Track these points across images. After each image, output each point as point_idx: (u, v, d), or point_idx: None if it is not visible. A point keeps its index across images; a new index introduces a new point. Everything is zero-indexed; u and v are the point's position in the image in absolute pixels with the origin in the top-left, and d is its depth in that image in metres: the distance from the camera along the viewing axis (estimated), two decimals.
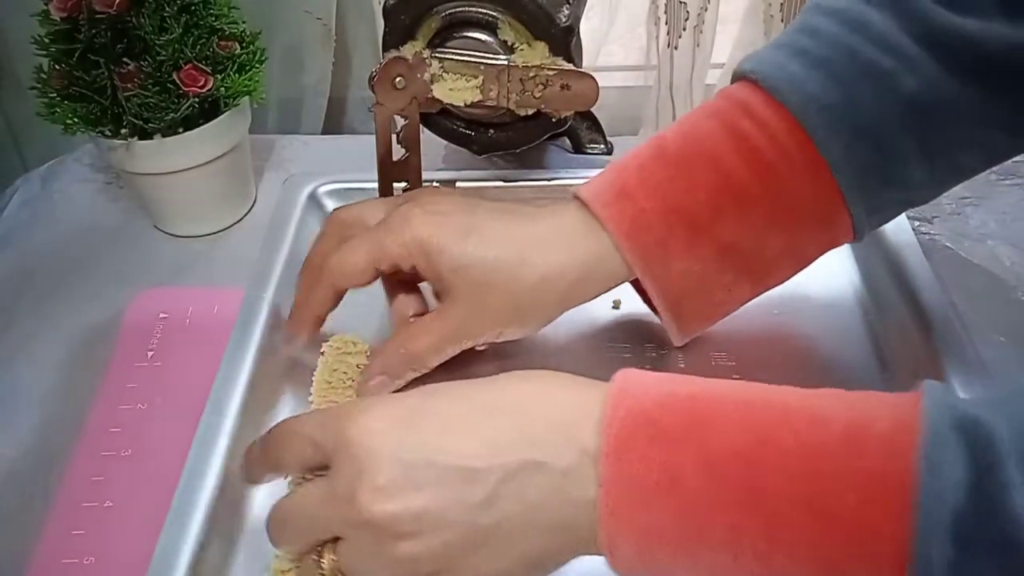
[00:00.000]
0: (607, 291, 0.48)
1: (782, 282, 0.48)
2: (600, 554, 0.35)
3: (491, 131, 0.59)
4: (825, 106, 0.44)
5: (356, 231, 0.48)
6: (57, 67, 0.56)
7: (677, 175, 0.45)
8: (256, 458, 0.41)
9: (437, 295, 0.49)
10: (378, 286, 0.57)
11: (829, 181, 0.44)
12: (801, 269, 0.48)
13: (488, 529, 0.35)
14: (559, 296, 0.47)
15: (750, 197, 0.45)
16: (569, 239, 0.46)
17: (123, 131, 0.56)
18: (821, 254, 0.48)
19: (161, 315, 0.57)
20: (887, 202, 0.47)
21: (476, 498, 0.35)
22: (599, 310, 0.55)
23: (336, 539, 0.37)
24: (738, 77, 0.47)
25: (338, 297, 0.50)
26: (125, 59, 0.55)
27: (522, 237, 0.46)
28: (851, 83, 0.44)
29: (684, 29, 0.73)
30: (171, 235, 0.63)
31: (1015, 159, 0.60)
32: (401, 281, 0.51)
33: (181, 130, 0.57)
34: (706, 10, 0.73)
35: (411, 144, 0.53)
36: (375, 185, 0.53)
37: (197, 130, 0.57)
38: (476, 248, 0.46)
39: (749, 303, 0.53)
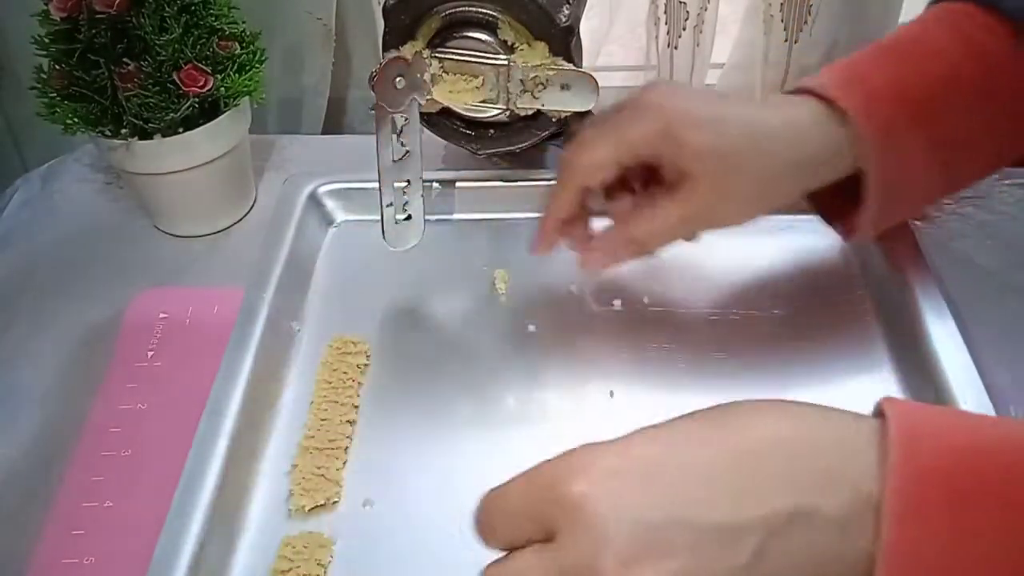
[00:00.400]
0: (831, 181, 0.49)
1: (963, 188, 0.52)
2: None
3: (491, 131, 0.59)
4: None
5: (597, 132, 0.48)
6: (57, 67, 0.56)
7: (907, 65, 0.48)
8: (479, 534, 0.35)
9: (673, 183, 0.48)
10: (376, 285, 0.57)
11: None
12: (980, 179, 0.53)
13: None
14: (796, 185, 0.48)
15: (973, 93, 0.47)
16: (809, 128, 0.47)
17: (123, 131, 0.56)
18: (1001, 166, 0.52)
19: (161, 315, 0.57)
20: None
21: (740, 558, 0.30)
22: (600, 307, 0.55)
23: None
24: None
25: (581, 198, 0.50)
26: (125, 59, 0.55)
27: (764, 125, 0.47)
28: None
29: (684, 29, 0.73)
30: (171, 235, 0.63)
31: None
32: (616, 184, 0.50)
33: (181, 130, 0.57)
34: (706, 10, 0.73)
35: (411, 144, 0.53)
36: (375, 185, 0.53)
37: (197, 130, 0.57)
38: (720, 136, 0.46)
39: (747, 303, 0.54)
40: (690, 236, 0.49)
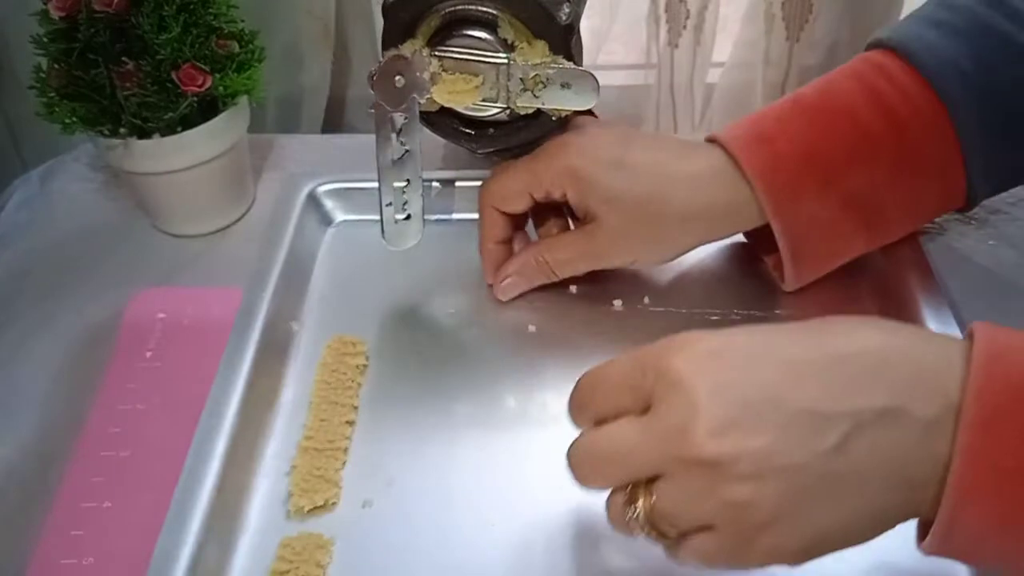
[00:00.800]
0: (739, 232, 0.52)
1: (894, 239, 0.52)
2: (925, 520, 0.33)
3: (491, 130, 0.59)
4: (957, 71, 0.46)
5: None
6: (56, 66, 0.55)
7: (814, 124, 0.48)
8: (572, 412, 0.38)
9: (582, 220, 0.52)
10: (376, 285, 0.57)
11: (953, 140, 0.47)
12: (913, 229, 0.52)
13: (835, 478, 0.32)
14: (696, 235, 0.51)
15: (880, 150, 0.48)
16: (712, 181, 0.49)
17: (122, 130, 0.56)
18: (934, 216, 0.53)
19: (160, 315, 0.57)
20: (1006, 168, 0.49)
21: (826, 444, 0.32)
22: (600, 307, 0.55)
23: (652, 480, 0.34)
24: (874, 46, 0.50)
25: (507, 222, 0.53)
26: (124, 58, 0.54)
27: (669, 176, 0.49)
28: (984, 53, 0.47)
29: (684, 28, 0.73)
30: (170, 235, 0.63)
31: None
32: (549, 205, 0.54)
33: (180, 129, 0.57)
34: (706, 9, 0.73)
35: (411, 143, 0.53)
36: (375, 185, 0.53)
37: (196, 129, 0.57)
38: (626, 182, 0.49)
39: (748, 303, 0.54)
40: (596, 268, 0.53)
